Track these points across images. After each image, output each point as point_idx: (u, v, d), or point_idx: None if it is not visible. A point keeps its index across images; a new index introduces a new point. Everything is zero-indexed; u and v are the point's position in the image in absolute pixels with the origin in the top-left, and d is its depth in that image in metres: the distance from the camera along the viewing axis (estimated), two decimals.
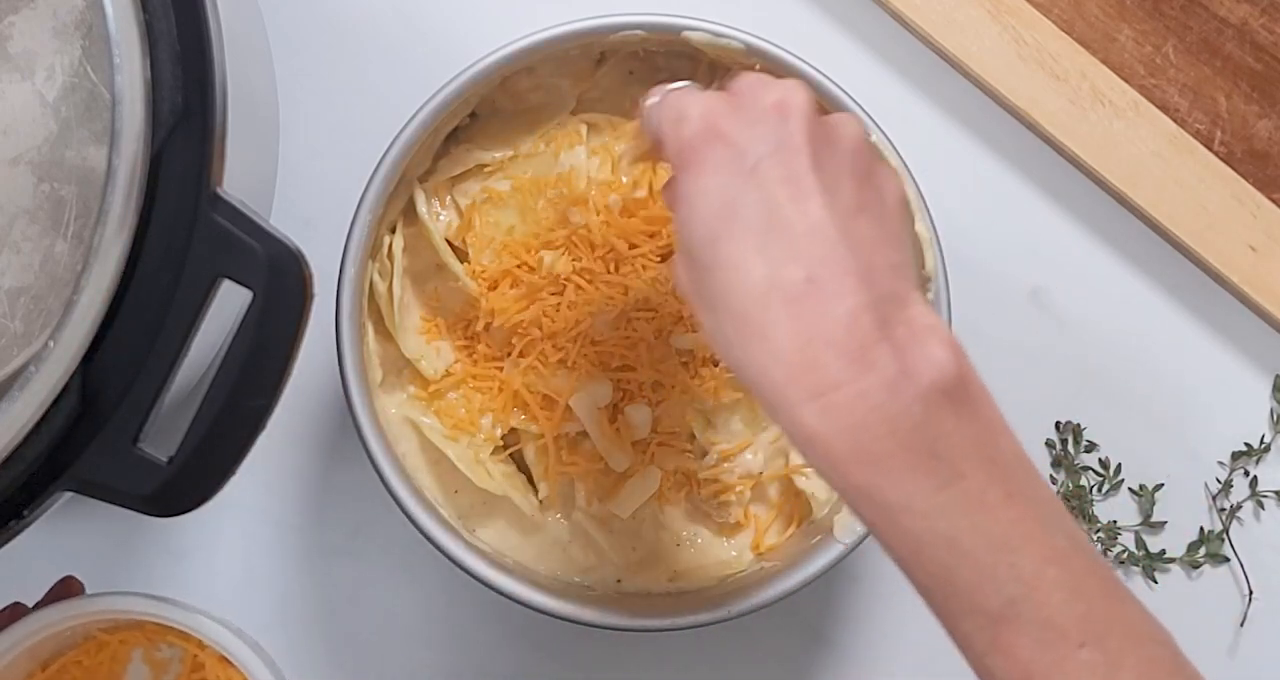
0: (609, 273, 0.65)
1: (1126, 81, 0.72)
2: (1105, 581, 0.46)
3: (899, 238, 0.49)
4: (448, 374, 0.66)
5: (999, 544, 0.44)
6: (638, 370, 0.65)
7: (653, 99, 0.53)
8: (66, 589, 0.62)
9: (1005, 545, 0.44)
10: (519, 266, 0.65)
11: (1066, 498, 0.72)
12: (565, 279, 0.65)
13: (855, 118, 0.50)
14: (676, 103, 0.50)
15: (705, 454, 0.66)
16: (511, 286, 0.66)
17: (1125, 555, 0.73)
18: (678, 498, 0.67)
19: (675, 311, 0.65)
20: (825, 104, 0.64)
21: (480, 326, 0.66)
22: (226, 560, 0.73)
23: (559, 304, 0.65)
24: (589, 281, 0.64)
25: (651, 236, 0.65)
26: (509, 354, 0.66)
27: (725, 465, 0.66)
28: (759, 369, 0.46)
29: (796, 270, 0.45)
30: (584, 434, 0.66)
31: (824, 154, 0.48)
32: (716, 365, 0.65)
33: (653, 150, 0.54)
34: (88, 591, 0.63)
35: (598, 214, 0.64)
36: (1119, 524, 0.73)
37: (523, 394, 0.65)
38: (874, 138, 0.64)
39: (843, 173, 0.48)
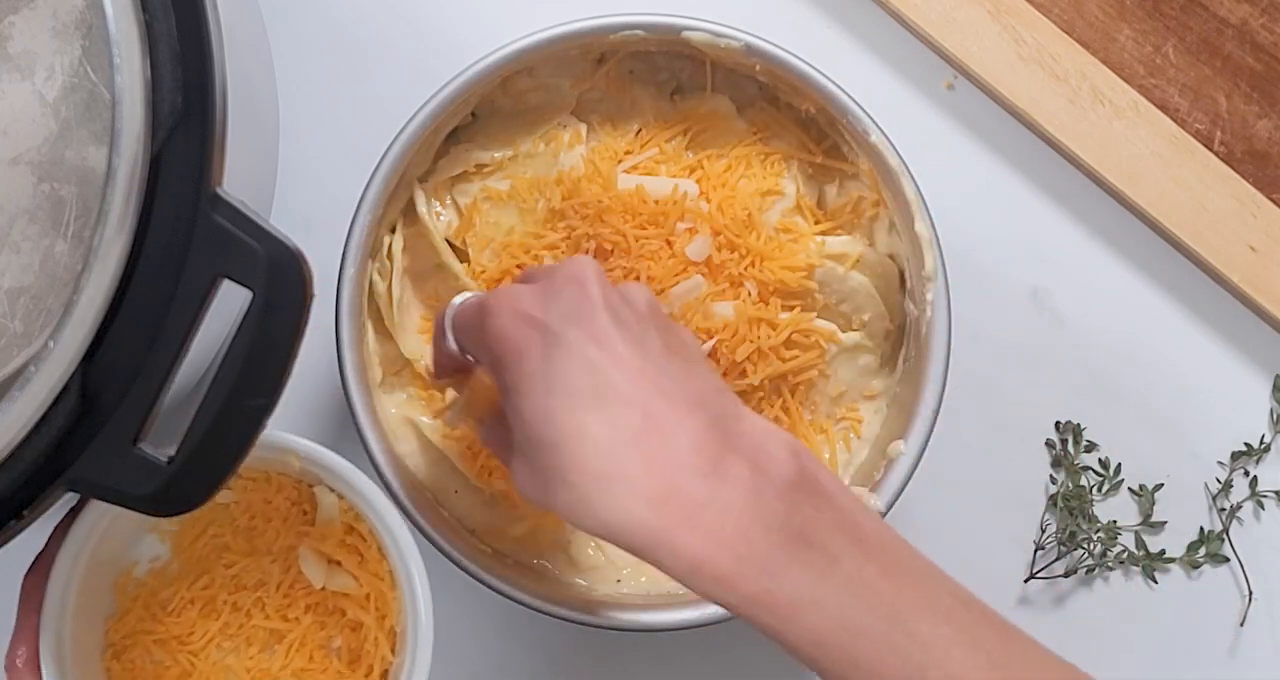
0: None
1: (1126, 81, 0.72)
2: (997, 628, 0.48)
3: (712, 371, 0.52)
4: None
5: (890, 616, 0.46)
6: None
7: (448, 312, 0.55)
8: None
9: (896, 616, 0.46)
10: (519, 267, 0.65)
11: (1066, 498, 0.72)
12: None
13: (643, 285, 0.54)
14: (474, 307, 0.53)
15: None
16: None
17: (1125, 555, 0.73)
18: None
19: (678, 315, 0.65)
20: (838, 118, 0.65)
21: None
22: None
23: None
24: None
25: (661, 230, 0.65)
26: None
27: None
28: (625, 514, 0.46)
29: (632, 415, 0.47)
30: None
31: (624, 312, 0.50)
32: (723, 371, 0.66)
33: (463, 366, 0.56)
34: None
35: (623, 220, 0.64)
36: (1119, 524, 0.73)
37: None
38: (874, 138, 0.64)
39: (645, 325, 0.50)
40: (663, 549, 0.46)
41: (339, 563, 0.63)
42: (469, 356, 0.56)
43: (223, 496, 0.64)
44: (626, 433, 0.47)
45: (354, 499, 0.60)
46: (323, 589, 0.63)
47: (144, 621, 0.62)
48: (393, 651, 0.61)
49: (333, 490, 0.62)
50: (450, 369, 0.57)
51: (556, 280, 0.51)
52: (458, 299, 0.56)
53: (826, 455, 0.67)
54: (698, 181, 0.66)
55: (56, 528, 0.59)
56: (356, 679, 0.62)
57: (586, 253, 0.65)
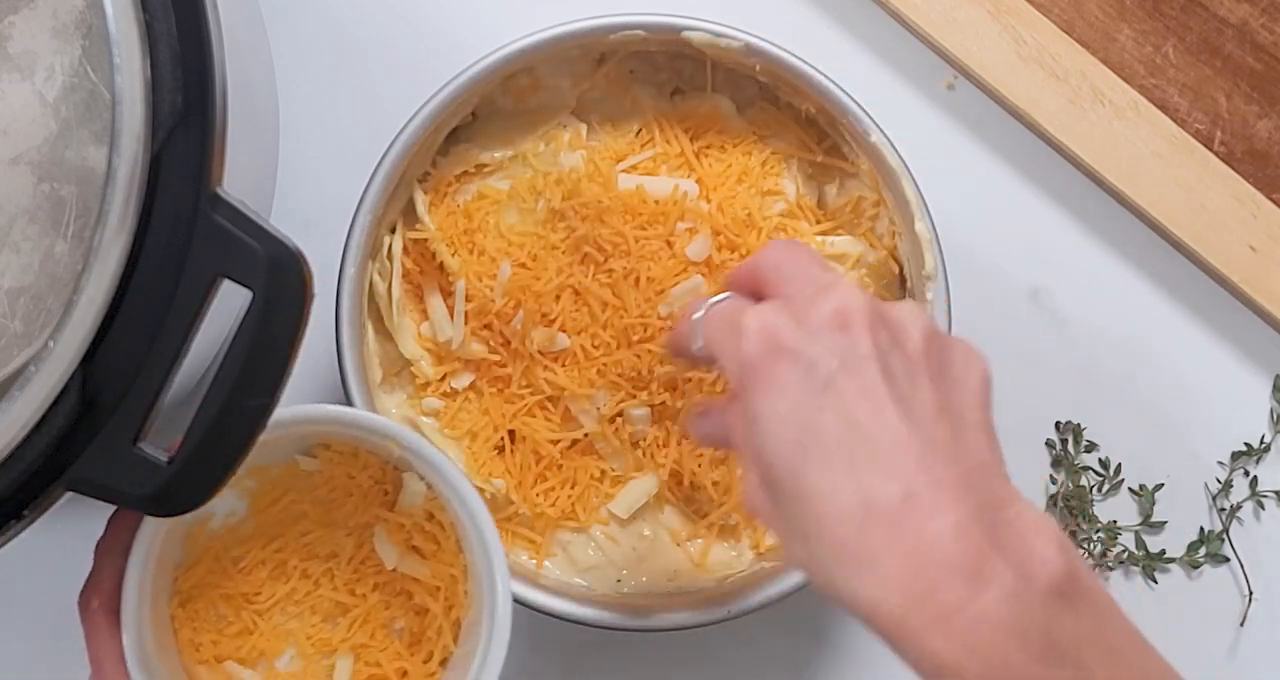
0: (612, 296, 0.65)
1: (1126, 81, 0.72)
2: None
3: (985, 430, 0.47)
4: (445, 376, 0.66)
5: None
6: (639, 377, 0.65)
7: (697, 313, 0.52)
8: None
9: None
10: (521, 266, 0.65)
11: (1066, 498, 0.72)
12: (563, 286, 0.65)
13: (917, 307, 0.49)
14: (730, 316, 0.49)
15: (705, 455, 0.66)
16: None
17: (1125, 555, 0.73)
18: (678, 498, 0.67)
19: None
20: (838, 118, 0.65)
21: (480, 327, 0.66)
22: None
23: (558, 311, 0.65)
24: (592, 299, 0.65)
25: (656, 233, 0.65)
26: (507, 346, 0.66)
27: (725, 466, 0.66)
28: (872, 600, 0.44)
29: (891, 490, 0.44)
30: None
31: (894, 359, 0.46)
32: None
33: (699, 361, 0.53)
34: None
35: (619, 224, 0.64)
36: (1119, 524, 0.73)
37: (523, 396, 0.65)
38: (874, 138, 0.64)
39: (918, 373, 0.47)
40: (909, 645, 0.44)
41: (414, 548, 0.63)
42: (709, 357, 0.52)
43: (306, 464, 0.63)
44: (882, 509, 0.44)
45: (446, 493, 0.59)
46: (393, 570, 0.62)
47: (213, 574, 0.62)
48: (455, 642, 0.61)
49: (423, 478, 0.61)
50: (684, 356, 0.54)
51: (822, 311, 0.47)
52: (711, 300, 0.52)
53: None
54: (698, 181, 0.66)
55: None
56: (415, 663, 0.62)
57: (586, 253, 0.65)
